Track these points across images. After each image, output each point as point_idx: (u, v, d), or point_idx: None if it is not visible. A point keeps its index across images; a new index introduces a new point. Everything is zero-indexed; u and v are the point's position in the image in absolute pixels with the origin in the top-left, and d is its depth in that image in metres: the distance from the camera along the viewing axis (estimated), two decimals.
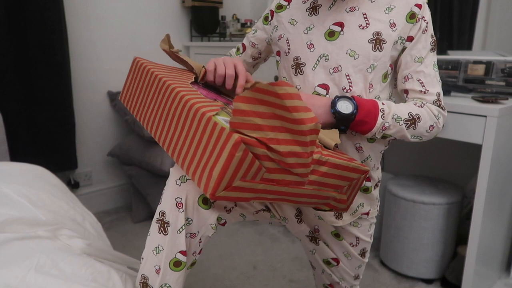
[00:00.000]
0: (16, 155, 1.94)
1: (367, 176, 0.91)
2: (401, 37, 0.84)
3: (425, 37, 0.85)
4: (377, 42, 0.82)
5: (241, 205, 0.85)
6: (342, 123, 0.78)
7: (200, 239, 0.79)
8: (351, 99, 0.79)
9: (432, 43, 0.87)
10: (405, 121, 0.81)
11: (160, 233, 0.76)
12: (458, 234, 1.75)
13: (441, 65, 1.67)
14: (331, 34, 0.85)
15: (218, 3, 2.52)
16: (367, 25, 0.83)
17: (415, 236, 1.67)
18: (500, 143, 1.38)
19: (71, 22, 2.11)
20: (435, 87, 0.86)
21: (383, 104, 0.82)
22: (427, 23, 0.85)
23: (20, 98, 1.94)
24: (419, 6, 0.84)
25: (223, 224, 0.85)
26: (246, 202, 0.83)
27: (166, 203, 0.76)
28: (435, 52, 0.88)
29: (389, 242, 1.75)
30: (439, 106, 0.86)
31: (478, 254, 1.44)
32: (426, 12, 0.85)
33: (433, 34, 0.87)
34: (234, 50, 1.12)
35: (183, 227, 0.75)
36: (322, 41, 0.85)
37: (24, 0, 1.87)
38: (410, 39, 0.84)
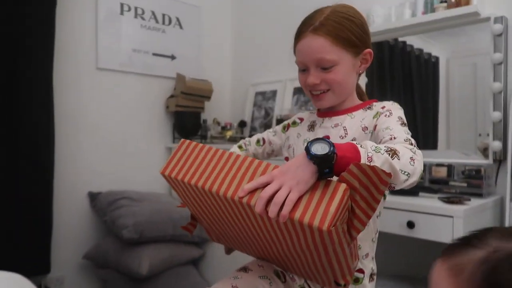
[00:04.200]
0: None
1: (359, 267, 0.97)
2: (371, 131, 0.97)
3: (391, 118, 0.95)
4: None
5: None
6: (324, 165, 0.74)
7: None
8: (324, 139, 0.76)
9: (399, 120, 0.95)
10: (386, 151, 0.77)
11: None
12: None
13: None
14: None
15: (200, 108, 2.70)
16: (346, 135, 1.01)
17: None
18: None
19: (60, 122, 2.20)
20: (404, 135, 0.89)
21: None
22: (390, 111, 0.97)
23: None
24: (383, 107, 1.00)
25: None
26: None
27: None
28: (406, 127, 0.95)
29: None
30: (410, 144, 0.86)
31: None
32: (391, 107, 0.99)
33: (402, 118, 0.96)
34: (254, 139, 1.24)
35: None
36: None
37: (15, 101, 1.98)
38: (375, 127, 0.97)
